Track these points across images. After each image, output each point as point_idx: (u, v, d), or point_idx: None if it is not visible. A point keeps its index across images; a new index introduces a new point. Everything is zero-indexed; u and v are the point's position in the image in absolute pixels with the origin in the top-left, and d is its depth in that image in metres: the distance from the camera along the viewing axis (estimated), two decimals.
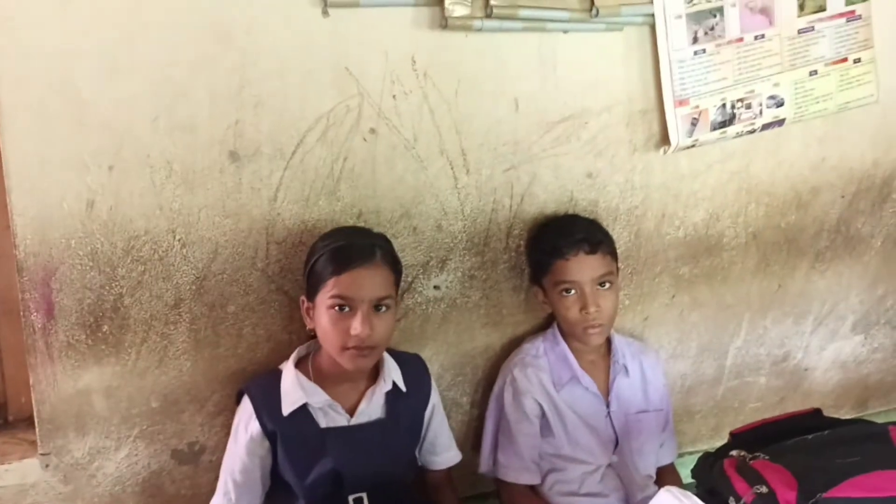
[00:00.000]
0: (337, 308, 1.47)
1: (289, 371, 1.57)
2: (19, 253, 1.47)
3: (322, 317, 1.49)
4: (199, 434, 1.70)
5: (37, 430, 1.59)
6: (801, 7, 1.81)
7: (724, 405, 2.21)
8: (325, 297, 1.48)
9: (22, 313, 1.51)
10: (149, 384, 1.62)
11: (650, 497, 1.38)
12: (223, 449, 1.61)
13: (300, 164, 1.59)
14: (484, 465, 1.85)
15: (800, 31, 1.82)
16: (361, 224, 1.66)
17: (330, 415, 1.55)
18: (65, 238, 1.49)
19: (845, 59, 1.88)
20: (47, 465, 1.61)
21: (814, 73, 1.86)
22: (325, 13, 1.50)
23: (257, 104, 1.52)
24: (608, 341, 1.83)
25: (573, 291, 1.71)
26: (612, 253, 1.77)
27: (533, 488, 1.81)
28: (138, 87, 1.45)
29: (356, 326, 1.46)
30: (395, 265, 1.56)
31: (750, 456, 1.51)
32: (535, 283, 1.81)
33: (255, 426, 1.53)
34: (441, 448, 1.73)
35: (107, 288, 1.54)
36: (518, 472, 1.79)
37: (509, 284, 1.85)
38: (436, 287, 1.78)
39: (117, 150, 1.47)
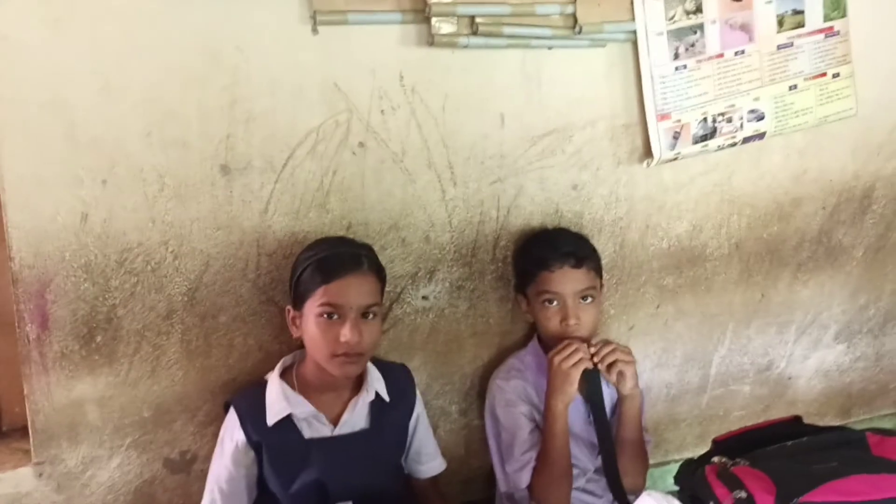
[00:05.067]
0: (326, 316, 1.49)
1: (274, 381, 1.58)
2: (14, 265, 1.49)
3: (311, 325, 1.51)
4: (191, 443, 1.72)
5: (31, 439, 1.60)
6: (780, 23, 1.84)
7: (708, 413, 2.23)
8: (313, 306, 1.50)
9: (17, 324, 1.53)
10: (141, 394, 1.64)
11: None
12: None
13: (290, 177, 1.61)
14: (502, 484, 1.81)
15: (779, 47, 1.85)
16: (350, 236, 1.68)
17: (314, 425, 1.57)
18: (59, 250, 1.51)
19: (824, 74, 1.91)
20: (41, 475, 1.62)
21: (793, 87, 1.89)
22: (314, 31, 1.53)
23: (248, 119, 1.55)
24: None
25: (555, 303, 1.73)
26: (597, 269, 1.79)
27: None
28: (130, 105, 1.47)
29: (346, 333, 1.48)
30: (380, 273, 1.59)
31: (731, 462, 1.52)
32: (518, 291, 1.83)
33: (240, 437, 1.55)
34: (426, 457, 1.75)
35: (100, 299, 1.56)
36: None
37: (496, 295, 1.87)
38: (424, 297, 1.81)
39: (110, 166, 1.49)
